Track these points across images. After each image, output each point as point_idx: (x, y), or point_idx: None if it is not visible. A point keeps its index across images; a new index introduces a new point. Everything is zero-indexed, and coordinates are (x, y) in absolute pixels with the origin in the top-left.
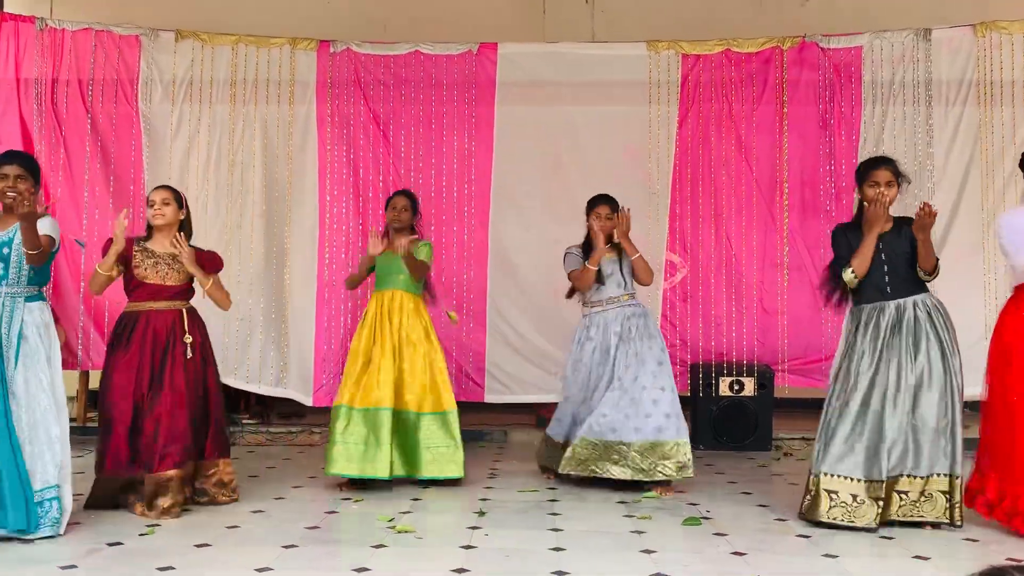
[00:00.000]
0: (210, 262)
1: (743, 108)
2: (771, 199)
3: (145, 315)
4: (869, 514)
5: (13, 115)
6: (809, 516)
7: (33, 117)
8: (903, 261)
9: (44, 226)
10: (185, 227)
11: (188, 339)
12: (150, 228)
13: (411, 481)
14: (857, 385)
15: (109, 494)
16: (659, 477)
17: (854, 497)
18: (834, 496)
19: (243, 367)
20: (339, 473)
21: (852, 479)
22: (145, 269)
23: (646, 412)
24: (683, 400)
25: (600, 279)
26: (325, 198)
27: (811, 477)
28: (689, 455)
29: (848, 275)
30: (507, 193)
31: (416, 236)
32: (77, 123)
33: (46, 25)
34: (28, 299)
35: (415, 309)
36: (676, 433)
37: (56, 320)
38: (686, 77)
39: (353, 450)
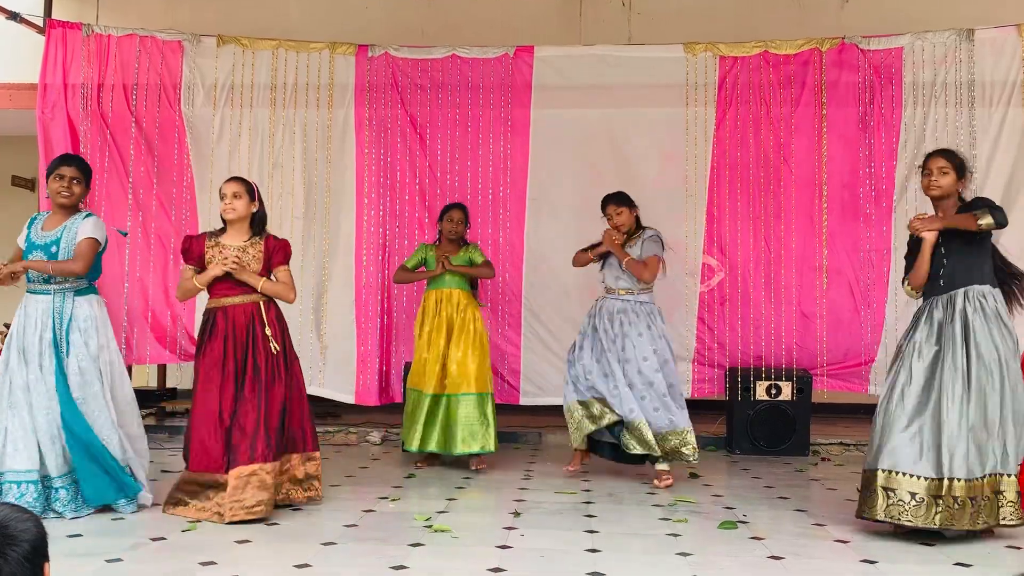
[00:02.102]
0: (278, 253)
1: (781, 110)
2: (810, 201)
3: (223, 311)
4: (929, 513)
5: (62, 118)
6: (865, 515)
7: (79, 120)
8: (962, 252)
9: (88, 228)
10: (257, 220)
11: (269, 330)
12: (224, 222)
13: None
14: (912, 379)
15: (192, 492)
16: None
17: (913, 495)
18: (891, 493)
19: None
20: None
21: (912, 476)
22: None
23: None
24: (719, 404)
25: (600, 266)
26: (363, 201)
27: (865, 473)
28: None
29: (905, 288)
30: (543, 195)
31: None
32: (122, 126)
33: (92, 31)
34: (78, 293)
35: (468, 301)
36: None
37: None
38: (723, 79)
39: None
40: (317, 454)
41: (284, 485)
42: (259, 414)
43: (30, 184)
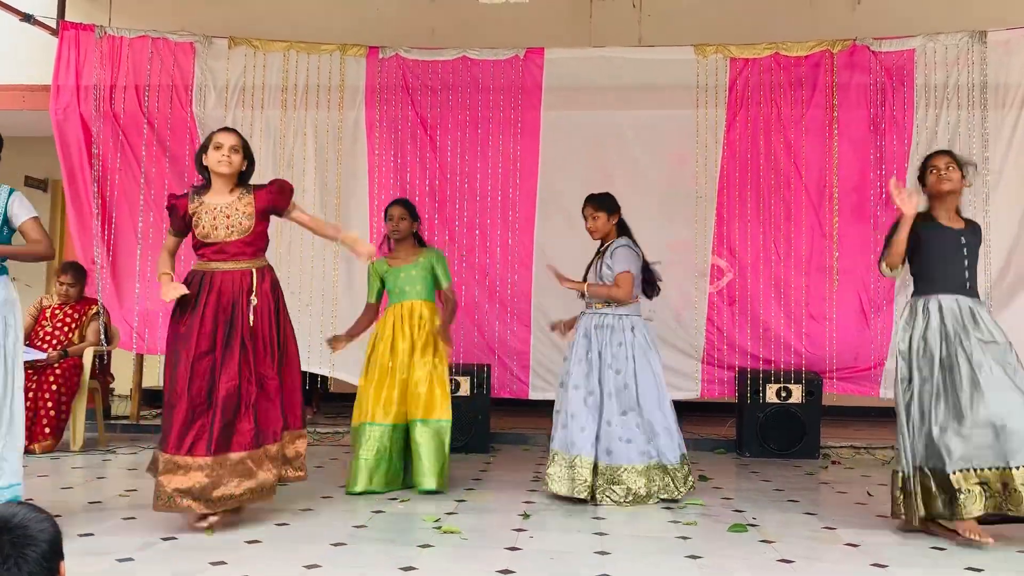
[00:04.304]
0: (281, 197)
1: (792, 112)
2: (820, 203)
3: (210, 276)
4: (969, 505)
5: (75, 119)
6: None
7: (93, 121)
8: (975, 259)
9: (23, 208)
10: (244, 179)
11: (254, 301)
12: (208, 177)
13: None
14: (932, 377)
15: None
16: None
17: (943, 489)
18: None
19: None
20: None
21: (941, 472)
22: (204, 226)
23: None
24: (729, 406)
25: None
26: (374, 202)
27: (897, 475)
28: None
29: (882, 268)
30: (553, 197)
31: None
32: (135, 127)
33: (104, 33)
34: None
35: (431, 317)
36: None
37: (107, 313)
38: (734, 81)
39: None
40: (305, 432)
41: (281, 465)
42: (247, 395)
43: (43, 184)
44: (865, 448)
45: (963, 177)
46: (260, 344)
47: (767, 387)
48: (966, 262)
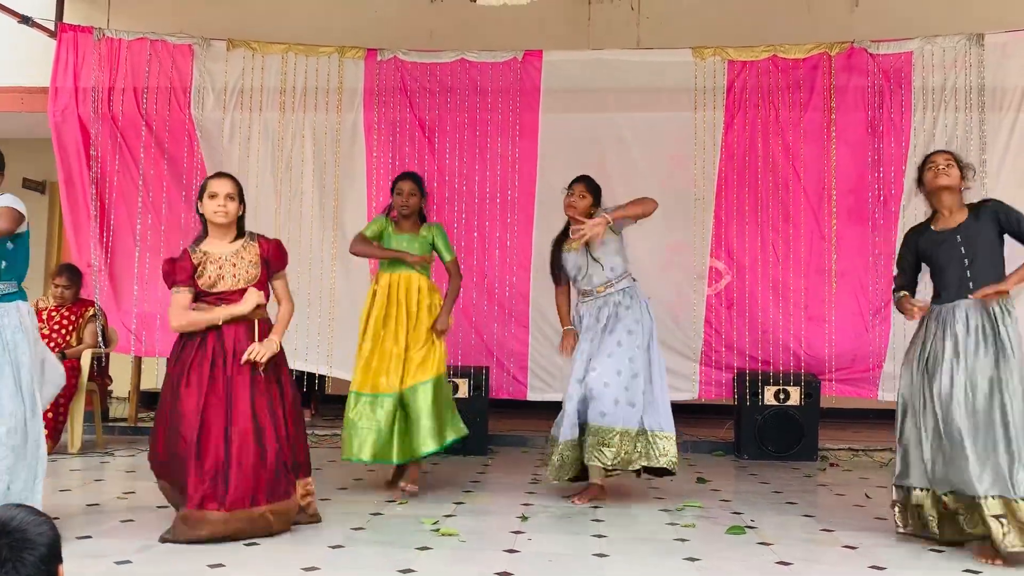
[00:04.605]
0: (277, 256)
1: (790, 114)
2: (818, 206)
3: (214, 329)
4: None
5: (73, 121)
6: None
7: (91, 123)
8: (985, 250)
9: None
10: (241, 224)
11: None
12: (205, 225)
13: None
14: (932, 394)
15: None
16: (593, 462)
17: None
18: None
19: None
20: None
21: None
22: (210, 276)
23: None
24: (727, 409)
25: (569, 280)
26: (372, 204)
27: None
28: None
29: (897, 298)
30: (551, 199)
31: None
32: (133, 129)
33: (103, 35)
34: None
35: (428, 290)
36: (622, 421)
37: (104, 315)
38: (732, 83)
39: (366, 436)
40: (312, 479)
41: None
42: (247, 450)
43: (41, 187)
44: (863, 450)
45: (962, 178)
46: (266, 391)
47: (765, 389)
48: (966, 261)
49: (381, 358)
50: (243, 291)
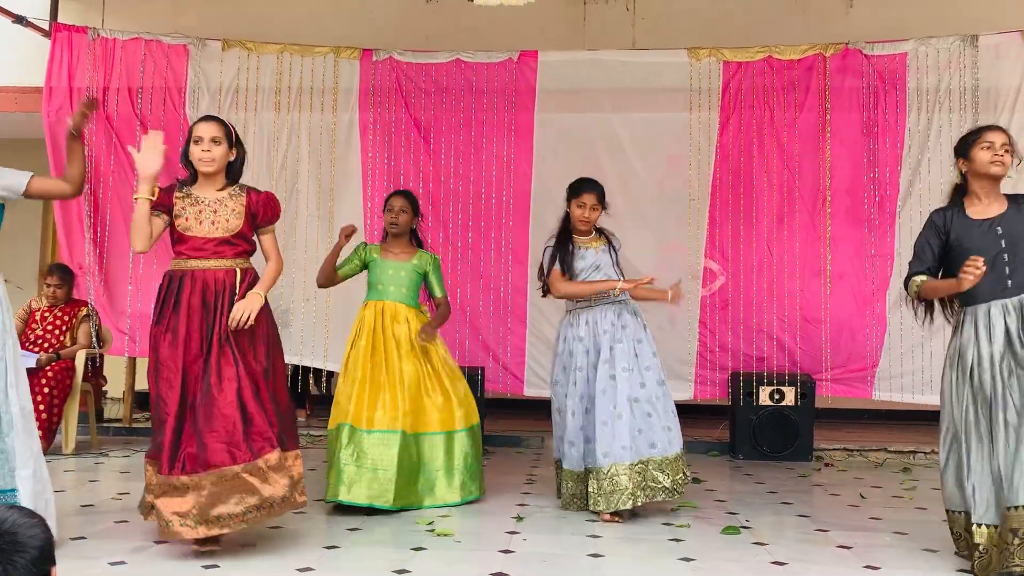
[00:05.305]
0: (266, 209)
1: (785, 115)
2: (813, 206)
3: (190, 275)
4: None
5: (68, 120)
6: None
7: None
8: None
9: None
10: (234, 171)
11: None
12: (193, 172)
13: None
14: (976, 405)
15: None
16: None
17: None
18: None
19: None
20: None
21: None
22: (187, 218)
23: (665, 424)
24: (722, 409)
25: (573, 275)
26: (367, 204)
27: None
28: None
29: (913, 287)
30: (547, 198)
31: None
32: (128, 129)
33: (97, 35)
34: None
35: (419, 321)
36: (676, 445)
37: (97, 314)
38: (727, 84)
39: (356, 474)
40: (288, 452)
41: (286, 478)
42: (237, 402)
43: None
44: (858, 450)
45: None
46: (247, 346)
47: (760, 389)
48: (1006, 256)
49: (374, 390)
50: (219, 240)
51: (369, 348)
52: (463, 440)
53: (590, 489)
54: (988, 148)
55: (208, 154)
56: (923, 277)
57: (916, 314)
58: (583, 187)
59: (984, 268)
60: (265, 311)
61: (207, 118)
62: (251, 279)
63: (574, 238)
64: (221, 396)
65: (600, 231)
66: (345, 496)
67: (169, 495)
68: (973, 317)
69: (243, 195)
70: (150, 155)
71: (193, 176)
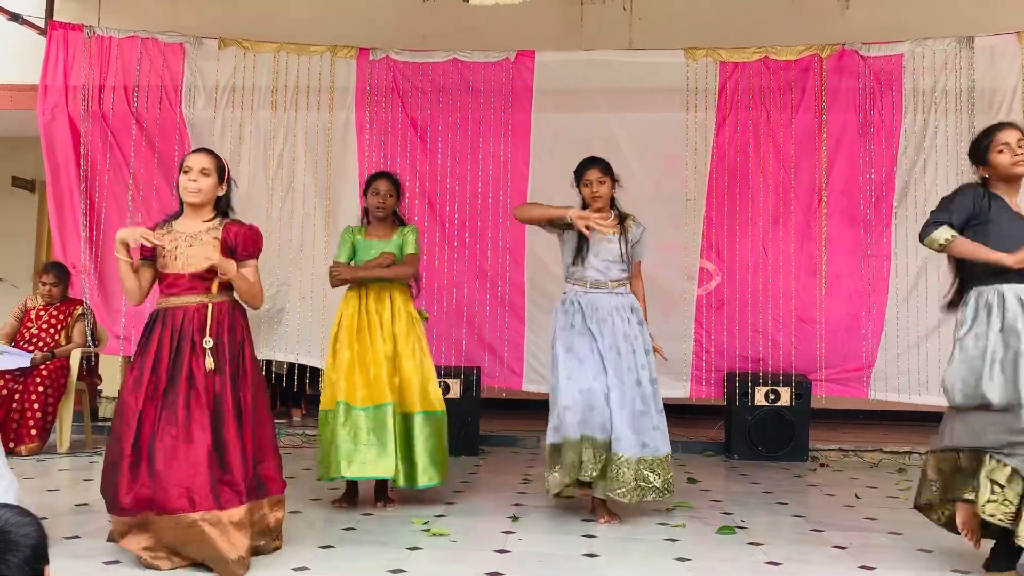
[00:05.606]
0: (245, 243)
1: (781, 116)
2: (809, 207)
3: (163, 314)
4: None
5: (63, 119)
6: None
7: (81, 121)
8: None
9: None
10: (221, 205)
11: (208, 343)
12: (182, 204)
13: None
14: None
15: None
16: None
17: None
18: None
19: (282, 341)
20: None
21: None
22: (164, 255)
23: (655, 424)
24: (718, 409)
25: (582, 254)
26: (363, 203)
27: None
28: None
29: (943, 235)
30: (544, 197)
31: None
32: (124, 128)
33: (94, 33)
34: None
35: (403, 303)
36: (665, 446)
37: (93, 313)
38: (724, 84)
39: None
40: (284, 497)
41: (256, 537)
42: (183, 450)
43: (30, 185)
44: (853, 451)
45: None
46: (233, 377)
47: (756, 390)
48: None
49: (362, 368)
50: (190, 275)
51: (354, 329)
52: (425, 422)
53: (584, 458)
54: (1005, 150)
55: (195, 184)
56: (953, 232)
57: (925, 242)
58: (584, 165)
59: None
60: (248, 338)
61: (200, 150)
62: (229, 316)
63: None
64: (187, 443)
65: (623, 218)
66: (346, 472)
67: (132, 533)
68: (995, 298)
69: (221, 227)
70: (131, 231)
71: (180, 209)
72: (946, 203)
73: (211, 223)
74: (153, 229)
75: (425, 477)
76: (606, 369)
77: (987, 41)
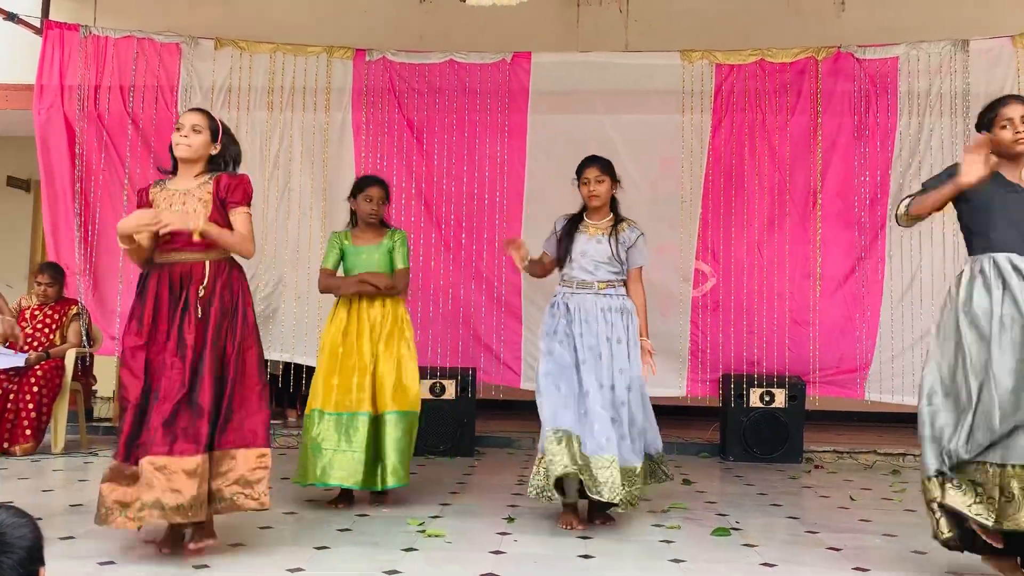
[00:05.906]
0: (235, 191)
1: (777, 118)
2: (804, 209)
3: (158, 271)
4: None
5: (58, 119)
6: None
7: (76, 121)
8: None
9: None
10: (216, 166)
11: (202, 291)
12: (175, 162)
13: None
14: (991, 365)
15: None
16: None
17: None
18: None
19: (277, 341)
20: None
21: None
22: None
23: (622, 433)
24: (713, 411)
25: (569, 254)
26: (352, 205)
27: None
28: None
29: (900, 209)
30: (540, 198)
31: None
32: (119, 127)
33: (89, 33)
34: None
35: (393, 307)
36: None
37: (88, 313)
38: (719, 86)
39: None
40: (268, 451)
41: (229, 488)
42: (184, 394)
43: (26, 184)
44: (848, 452)
45: None
46: (200, 345)
47: (751, 391)
48: None
49: (342, 374)
50: (185, 234)
51: (341, 334)
52: (397, 421)
53: (561, 455)
54: (1008, 126)
55: (185, 139)
56: (908, 197)
57: (899, 222)
58: (583, 163)
59: (990, 165)
60: (242, 302)
61: (193, 109)
62: (226, 274)
63: (583, 219)
64: (164, 389)
65: (620, 220)
66: (315, 478)
67: (117, 482)
68: (987, 266)
69: (212, 181)
70: (134, 224)
71: (174, 168)
72: (923, 186)
73: (201, 178)
74: (147, 189)
75: (394, 478)
76: (582, 375)
77: (982, 44)
